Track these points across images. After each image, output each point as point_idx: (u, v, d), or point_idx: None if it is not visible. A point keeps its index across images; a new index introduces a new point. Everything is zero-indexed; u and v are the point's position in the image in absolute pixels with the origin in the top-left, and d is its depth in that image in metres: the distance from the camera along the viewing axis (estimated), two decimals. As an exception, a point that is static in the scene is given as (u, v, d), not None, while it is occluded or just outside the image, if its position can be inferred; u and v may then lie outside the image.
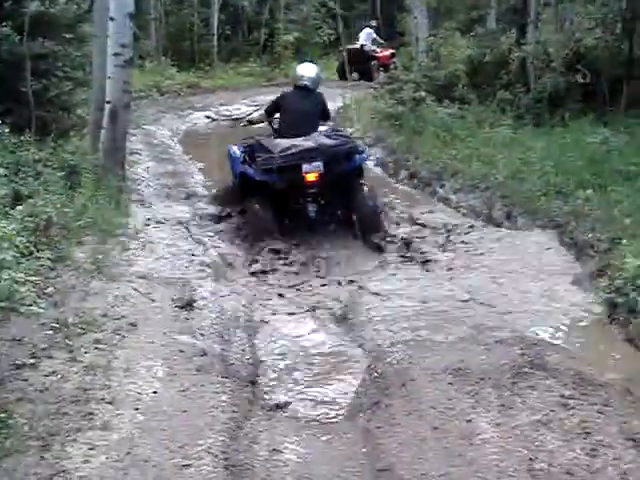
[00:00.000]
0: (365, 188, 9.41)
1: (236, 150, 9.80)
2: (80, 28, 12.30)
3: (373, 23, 27.55)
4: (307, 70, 9.98)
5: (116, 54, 9.97)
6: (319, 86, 10.04)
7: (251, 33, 29.98)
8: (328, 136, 9.21)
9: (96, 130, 10.56)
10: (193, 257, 8.32)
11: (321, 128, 9.60)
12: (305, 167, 8.74)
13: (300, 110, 9.52)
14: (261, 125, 10.37)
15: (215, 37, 27.09)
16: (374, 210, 9.27)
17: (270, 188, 9.00)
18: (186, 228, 9.53)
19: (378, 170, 13.39)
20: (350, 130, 16.14)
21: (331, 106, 18.76)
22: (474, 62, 15.48)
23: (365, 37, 26.41)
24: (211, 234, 9.44)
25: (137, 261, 7.80)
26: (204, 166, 13.58)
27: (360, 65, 25.92)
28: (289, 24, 29.98)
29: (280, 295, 7.70)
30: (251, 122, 10.62)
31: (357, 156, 9.30)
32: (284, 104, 9.73)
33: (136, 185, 11.38)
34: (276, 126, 9.83)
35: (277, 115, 9.84)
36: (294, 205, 9.27)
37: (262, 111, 10.28)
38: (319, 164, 8.75)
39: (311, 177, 8.79)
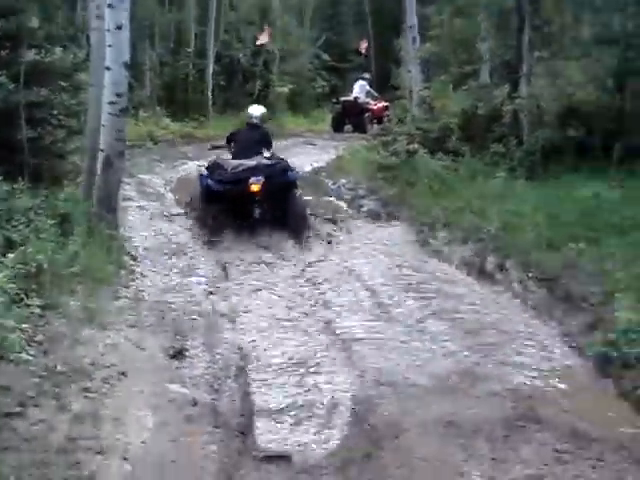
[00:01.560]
0: (297, 198, 12.44)
1: (203, 170, 12.78)
2: (76, 77, 12.37)
3: (366, 75, 27.77)
4: (255, 110, 13.38)
5: (111, 102, 10.00)
6: (264, 122, 13.50)
7: (246, 84, 30.17)
8: (267, 159, 12.39)
9: (90, 178, 10.55)
10: (183, 306, 8.31)
11: (266, 154, 12.57)
12: (251, 180, 11.70)
13: (248, 140, 12.75)
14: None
15: (210, 87, 27.27)
16: (302, 213, 12.32)
17: (225, 196, 11.92)
18: (176, 273, 9.62)
19: (369, 222, 13.37)
20: (343, 181, 16.23)
21: (324, 157, 19.17)
22: (467, 114, 15.57)
23: (359, 89, 26.62)
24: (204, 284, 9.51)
25: (128, 309, 7.76)
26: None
27: (354, 117, 26.10)
28: (284, 75, 30.23)
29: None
30: (215, 147, 14.05)
31: (290, 173, 12.31)
32: (238, 135, 13.10)
33: (128, 233, 11.36)
34: (232, 151, 12.91)
35: (233, 144, 12.98)
36: (244, 209, 11.96)
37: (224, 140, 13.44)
38: (260, 178, 11.76)
39: (255, 187, 11.72)
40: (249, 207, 11.98)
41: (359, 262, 10.57)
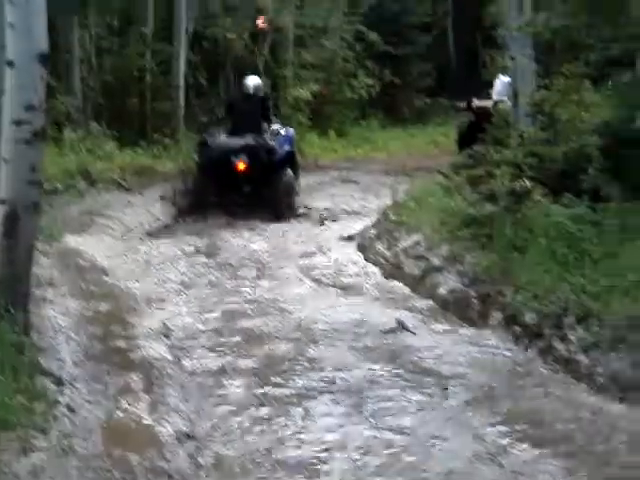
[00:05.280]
0: (288, 177, 20.86)
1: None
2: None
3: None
4: (250, 80, 21.33)
5: (18, 122, 10.01)
6: (261, 92, 21.97)
7: (240, 84, 30.25)
8: (253, 139, 19.92)
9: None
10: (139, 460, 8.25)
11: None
12: (233, 159, 19.51)
13: (243, 113, 20.46)
14: None
15: (181, 91, 27.48)
16: (288, 193, 20.68)
17: (213, 174, 20.10)
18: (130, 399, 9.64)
19: (448, 313, 13.32)
20: (405, 244, 16.22)
21: (373, 205, 19.24)
22: (616, 131, 15.46)
23: (502, 88, 26.69)
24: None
25: (46, 471, 7.69)
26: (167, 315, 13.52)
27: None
28: (303, 70, 30.31)
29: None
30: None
31: (278, 151, 20.21)
32: (233, 108, 21.66)
33: (48, 340, 11.36)
34: (228, 126, 21.37)
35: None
36: (233, 185, 20.12)
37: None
38: (244, 157, 19.37)
39: (241, 166, 19.51)
40: (238, 183, 19.91)
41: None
